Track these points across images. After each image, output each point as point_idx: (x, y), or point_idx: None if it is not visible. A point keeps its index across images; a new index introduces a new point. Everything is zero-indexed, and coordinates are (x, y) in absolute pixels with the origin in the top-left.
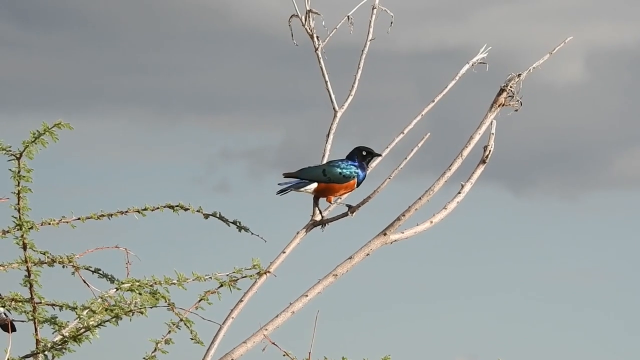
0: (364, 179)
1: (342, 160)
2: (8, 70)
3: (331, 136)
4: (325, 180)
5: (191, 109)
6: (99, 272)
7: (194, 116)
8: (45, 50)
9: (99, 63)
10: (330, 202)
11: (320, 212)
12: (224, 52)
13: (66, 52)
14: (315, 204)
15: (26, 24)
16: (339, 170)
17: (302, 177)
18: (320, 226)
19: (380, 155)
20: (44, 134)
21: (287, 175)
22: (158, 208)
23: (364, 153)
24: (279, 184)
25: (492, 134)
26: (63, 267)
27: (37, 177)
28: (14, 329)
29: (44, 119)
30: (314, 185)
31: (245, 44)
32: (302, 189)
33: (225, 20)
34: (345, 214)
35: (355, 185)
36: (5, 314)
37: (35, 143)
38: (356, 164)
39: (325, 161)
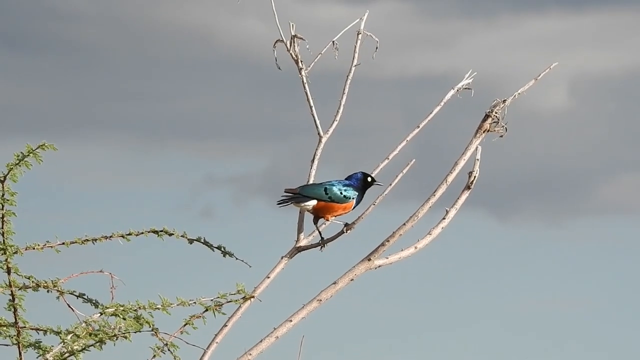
0: (358, 203)
1: (341, 181)
2: None
3: (316, 162)
4: (326, 198)
5: (176, 135)
6: (84, 296)
7: (178, 142)
8: (32, 76)
9: (85, 89)
10: (328, 220)
11: (320, 233)
12: (209, 78)
13: (52, 78)
14: (300, 227)
15: (14, 49)
16: (340, 190)
17: (303, 193)
18: (320, 247)
19: (381, 184)
20: (28, 155)
21: (287, 191)
22: (142, 233)
23: (369, 179)
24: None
25: (477, 159)
26: (48, 291)
27: (22, 202)
28: None
29: (29, 143)
30: (314, 202)
31: (230, 70)
32: (302, 204)
33: (211, 47)
34: (341, 232)
35: (352, 208)
36: None
37: (20, 165)
38: (356, 186)
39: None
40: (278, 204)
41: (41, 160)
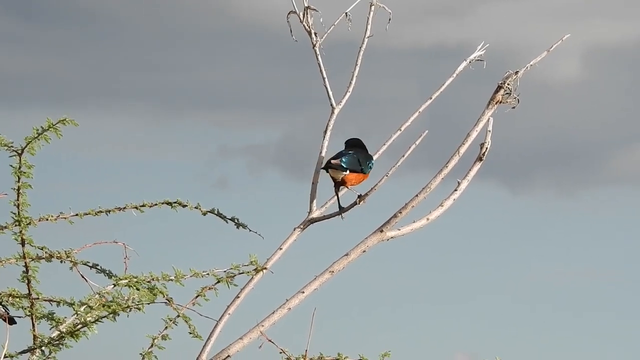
0: None
1: (358, 152)
2: (13, 66)
3: (329, 133)
4: (358, 169)
5: (191, 105)
6: (97, 267)
7: (193, 113)
8: (50, 46)
9: (101, 60)
10: (347, 189)
11: (339, 201)
12: (224, 49)
13: (70, 49)
14: (313, 198)
15: (32, 20)
16: (367, 160)
17: (344, 165)
18: (340, 215)
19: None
20: (48, 130)
21: (333, 161)
22: (156, 204)
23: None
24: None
25: (489, 131)
26: (61, 262)
27: (36, 173)
28: (13, 322)
29: (46, 114)
30: (347, 172)
31: (244, 41)
32: (339, 173)
33: (225, 17)
34: (354, 204)
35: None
36: (4, 308)
37: (39, 139)
38: (370, 154)
39: (325, 156)
40: (322, 168)
41: (61, 135)
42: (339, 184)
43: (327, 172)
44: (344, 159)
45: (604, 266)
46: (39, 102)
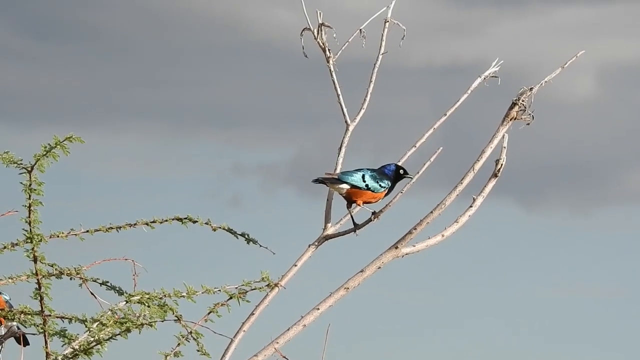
0: (388, 194)
1: (375, 170)
2: (22, 84)
3: (343, 150)
4: (362, 185)
5: (203, 123)
6: (107, 284)
7: (206, 131)
8: (60, 64)
9: (112, 77)
10: (359, 205)
11: (353, 218)
12: (236, 66)
13: (81, 67)
14: (328, 215)
15: (41, 38)
16: (376, 178)
17: (341, 179)
18: (354, 231)
19: (411, 177)
20: (56, 147)
21: (327, 174)
22: (167, 220)
23: (401, 172)
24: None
25: (504, 147)
26: (71, 279)
27: (50, 190)
28: (27, 343)
29: (57, 132)
30: (347, 186)
31: (257, 58)
32: (336, 187)
33: (238, 34)
34: (369, 220)
35: (383, 197)
36: (18, 326)
37: (47, 156)
38: (390, 176)
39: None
40: (313, 181)
41: (68, 152)
42: (348, 201)
43: (327, 185)
44: (342, 173)
45: (619, 285)
46: (49, 120)
